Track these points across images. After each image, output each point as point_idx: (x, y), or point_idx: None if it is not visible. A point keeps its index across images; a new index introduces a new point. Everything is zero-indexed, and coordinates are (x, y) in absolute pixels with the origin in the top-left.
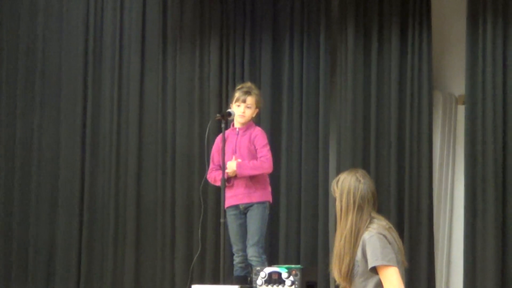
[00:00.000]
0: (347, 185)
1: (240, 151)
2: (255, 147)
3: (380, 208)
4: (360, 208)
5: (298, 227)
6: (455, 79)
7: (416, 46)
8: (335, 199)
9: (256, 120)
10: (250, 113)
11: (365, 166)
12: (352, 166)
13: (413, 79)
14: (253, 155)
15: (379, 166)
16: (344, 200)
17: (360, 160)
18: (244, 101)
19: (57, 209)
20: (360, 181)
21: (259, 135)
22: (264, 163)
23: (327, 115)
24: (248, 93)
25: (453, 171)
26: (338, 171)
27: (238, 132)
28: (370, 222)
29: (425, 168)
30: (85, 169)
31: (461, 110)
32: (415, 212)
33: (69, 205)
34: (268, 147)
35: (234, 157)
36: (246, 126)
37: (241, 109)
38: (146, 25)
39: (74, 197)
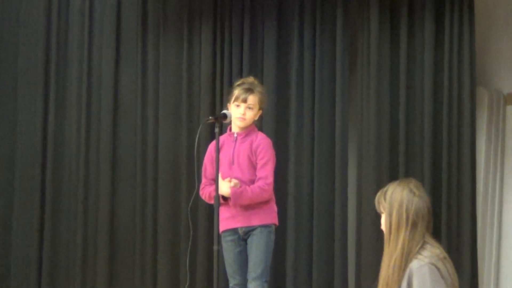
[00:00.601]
0: (398, 197)
1: (239, 161)
2: (256, 158)
3: None
4: (414, 226)
5: (309, 256)
6: (503, 73)
7: (455, 32)
8: (373, 216)
9: (258, 124)
10: (251, 115)
11: (393, 179)
12: (376, 179)
13: (451, 73)
14: (255, 167)
15: (409, 173)
16: (394, 215)
17: (386, 172)
18: (245, 101)
19: (9, 238)
20: (414, 193)
21: (263, 145)
22: (264, 191)
23: (346, 117)
24: (250, 90)
25: (501, 183)
26: (360, 186)
27: (236, 138)
28: (422, 247)
29: (466, 181)
30: (46, 187)
31: (511, 110)
32: (454, 236)
33: (26, 236)
34: (272, 165)
35: (228, 178)
36: (247, 131)
37: (241, 110)
38: (122, 8)
39: (31, 228)
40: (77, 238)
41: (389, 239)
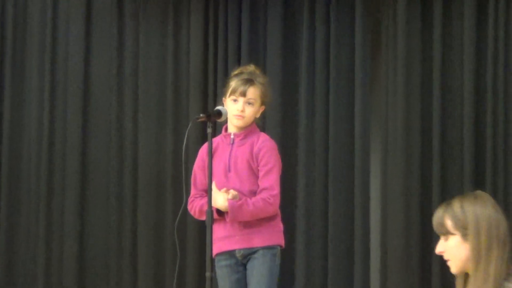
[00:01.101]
0: (485, 215)
1: (236, 169)
2: (257, 165)
3: None
4: (504, 247)
5: (323, 283)
6: None
7: (500, 14)
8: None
9: (260, 124)
10: (252, 111)
11: (425, 187)
12: (404, 188)
13: (496, 58)
14: (256, 176)
15: (446, 188)
16: (484, 237)
17: (417, 180)
18: (243, 94)
19: None
20: (497, 210)
21: (267, 148)
22: (268, 205)
23: (367, 115)
24: (250, 82)
25: None
26: (384, 195)
27: (233, 140)
28: (510, 275)
29: None
30: (0, 196)
31: None
32: None
33: None
34: (277, 173)
35: (225, 189)
36: (246, 131)
37: (239, 105)
38: None
39: None
40: (37, 271)
41: (477, 266)
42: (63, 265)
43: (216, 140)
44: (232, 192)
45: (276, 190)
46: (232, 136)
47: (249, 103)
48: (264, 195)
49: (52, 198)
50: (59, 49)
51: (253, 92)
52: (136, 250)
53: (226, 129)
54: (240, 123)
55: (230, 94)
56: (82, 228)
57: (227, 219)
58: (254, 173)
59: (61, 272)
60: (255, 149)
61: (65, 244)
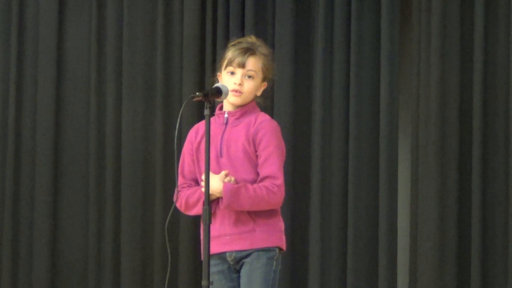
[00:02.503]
0: None
1: (229, 153)
2: (255, 149)
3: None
4: None
5: None
6: None
7: None
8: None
9: (265, 106)
10: (251, 86)
11: (463, 188)
12: (439, 185)
13: None
14: (254, 162)
15: (488, 189)
16: None
17: (453, 175)
18: (242, 65)
19: None
20: None
21: (266, 129)
22: (272, 194)
23: (394, 97)
24: (249, 51)
25: None
26: (415, 196)
27: (227, 119)
28: None
29: None
30: None
31: None
32: None
33: None
34: (280, 158)
35: (224, 172)
36: (243, 109)
37: (237, 78)
38: None
39: None
40: (3, 274)
41: None
42: (32, 275)
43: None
44: (230, 177)
45: (281, 179)
46: (226, 115)
47: (249, 76)
48: (267, 183)
49: (18, 196)
50: (28, 14)
51: (253, 63)
52: (119, 255)
53: (221, 108)
54: (237, 100)
55: (227, 66)
56: (55, 231)
57: (221, 205)
58: (250, 159)
59: (31, 283)
60: (252, 130)
61: (34, 250)
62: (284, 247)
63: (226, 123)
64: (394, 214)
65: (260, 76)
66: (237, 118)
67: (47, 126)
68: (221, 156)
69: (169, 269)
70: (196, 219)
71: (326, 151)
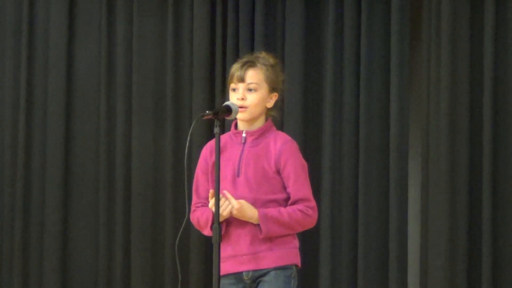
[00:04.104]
0: None
1: (247, 174)
2: (278, 172)
3: None
4: None
5: None
6: None
7: None
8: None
9: (279, 119)
10: (255, 99)
11: (474, 204)
12: (450, 194)
13: None
14: (272, 183)
15: (499, 205)
16: None
17: (464, 184)
18: (241, 79)
19: None
20: None
21: (290, 151)
22: (307, 217)
23: (405, 110)
24: (248, 64)
25: None
26: (426, 206)
27: (245, 139)
28: None
29: None
30: None
31: None
32: None
33: None
34: (308, 180)
35: (225, 193)
36: (261, 129)
37: (238, 93)
38: None
39: None
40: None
41: None
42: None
43: (223, 138)
44: (239, 201)
45: (314, 202)
46: (244, 135)
47: (250, 90)
48: (300, 206)
49: (28, 215)
50: (38, 29)
51: (253, 75)
52: (129, 274)
53: (236, 126)
54: (244, 115)
55: (230, 83)
56: (64, 242)
57: (261, 236)
58: (268, 180)
59: None
60: (274, 152)
61: (44, 270)
62: (299, 264)
63: (244, 143)
64: (404, 232)
65: (264, 87)
66: (256, 138)
67: (56, 144)
68: (238, 176)
69: (179, 285)
70: (207, 237)
71: (336, 163)
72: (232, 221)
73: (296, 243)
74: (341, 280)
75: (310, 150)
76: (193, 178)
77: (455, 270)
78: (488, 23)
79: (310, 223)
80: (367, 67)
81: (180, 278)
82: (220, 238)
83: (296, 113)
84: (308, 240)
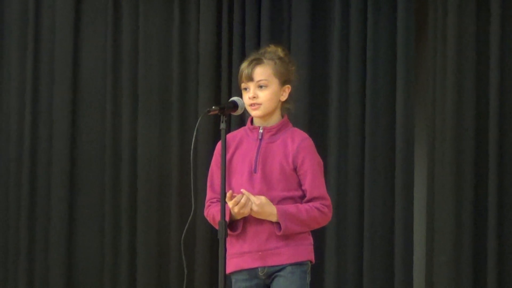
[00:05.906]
0: None
1: (264, 170)
2: (295, 169)
3: None
4: None
5: None
6: None
7: None
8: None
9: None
10: (268, 95)
11: (479, 202)
12: (455, 198)
13: None
14: (288, 181)
15: (505, 204)
16: None
17: (469, 187)
18: (250, 78)
19: None
20: None
21: (307, 148)
22: (324, 215)
23: (410, 108)
24: (255, 61)
25: None
26: (431, 203)
27: (261, 135)
28: None
29: None
30: None
31: None
32: None
33: None
34: (323, 178)
35: (231, 192)
36: (278, 125)
37: (250, 92)
38: None
39: None
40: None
41: None
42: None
43: (239, 133)
44: (256, 197)
45: (329, 200)
46: (260, 131)
47: (261, 86)
48: (316, 204)
49: (34, 213)
50: (44, 27)
51: (261, 72)
52: (135, 269)
53: (252, 122)
54: (258, 113)
55: (240, 83)
56: (70, 240)
57: (279, 233)
58: (285, 177)
59: None
60: (292, 149)
61: (50, 265)
62: (313, 260)
63: (261, 139)
64: (410, 229)
65: (275, 82)
66: (273, 135)
67: (62, 141)
68: (255, 172)
69: (185, 283)
70: (213, 233)
71: (342, 158)
72: (249, 218)
73: (311, 239)
74: (347, 276)
75: (315, 143)
76: (199, 174)
77: (461, 267)
78: (494, 20)
79: (325, 221)
80: (373, 64)
81: (186, 272)
82: (226, 234)
83: (301, 110)
84: (314, 236)
